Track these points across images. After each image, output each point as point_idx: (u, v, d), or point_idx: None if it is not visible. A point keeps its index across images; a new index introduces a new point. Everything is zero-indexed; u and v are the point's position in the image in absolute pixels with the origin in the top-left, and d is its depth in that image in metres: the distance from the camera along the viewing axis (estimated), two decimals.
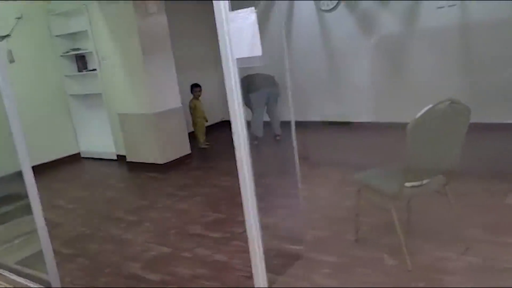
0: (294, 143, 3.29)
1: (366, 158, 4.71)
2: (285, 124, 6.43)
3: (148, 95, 5.16)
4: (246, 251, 3.13)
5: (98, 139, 6.46)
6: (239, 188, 4.03)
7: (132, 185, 4.97)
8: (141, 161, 5.53)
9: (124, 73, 5.35)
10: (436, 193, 2.69)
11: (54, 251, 3.43)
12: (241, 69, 1.47)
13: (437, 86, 5.51)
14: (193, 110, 6.12)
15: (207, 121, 6.30)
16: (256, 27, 1.41)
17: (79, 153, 6.52)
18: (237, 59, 1.44)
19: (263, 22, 6.73)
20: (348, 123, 6.33)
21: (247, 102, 5.88)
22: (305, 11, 6.33)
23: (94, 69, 5.95)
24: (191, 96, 6.14)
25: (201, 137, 6.23)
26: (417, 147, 2.34)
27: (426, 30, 5.41)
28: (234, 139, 1.78)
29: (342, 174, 4.33)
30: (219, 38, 1.43)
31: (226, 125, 7.60)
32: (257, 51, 1.41)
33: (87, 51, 5.98)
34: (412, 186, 2.50)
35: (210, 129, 6.54)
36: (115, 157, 6.13)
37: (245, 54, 1.42)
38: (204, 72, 7.23)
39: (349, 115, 6.32)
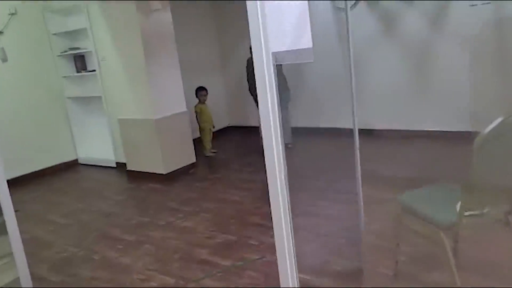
0: (357, 155, 2.78)
1: (395, 170, 4.25)
2: (296, 131, 6.01)
3: (150, 99, 4.73)
4: (261, 284, 2.69)
5: (97, 146, 6.03)
6: (249, 204, 3.54)
7: (132, 198, 4.52)
8: (142, 170, 5.09)
9: (125, 75, 4.92)
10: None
11: (40, 278, 2.99)
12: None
13: (469, 90, 5.04)
14: (199, 115, 5.67)
15: (213, 127, 5.87)
16: (305, 8, 0.96)
17: (76, 160, 6.09)
18: (275, 53, 0.99)
19: None
20: (368, 131, 5.86)
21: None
22: (320, 9, 5.88)
23: (94, 70, 5.53)
24: (196, 101, 5.70)
25: (208, 144, 5.79)
26: (483, 168, 1.88)
27: (457, 30, 4.95)
28: (265, 150, 1.41)
29: (369, 190, 3.85)
30: (249, 23, 0.98)
31: (232, 131, 7.18)
32: (306, 42, 0.96)
33: (86, 50, 5.57)
34: (471, 215, 2.04)
35: (216, 135, 6.05)
36: (115, 165, 5.69)
37: (287, 46, 0.97)
38: (208, 74, 6.80)
39: (369, 122, 5.86)
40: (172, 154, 4.95)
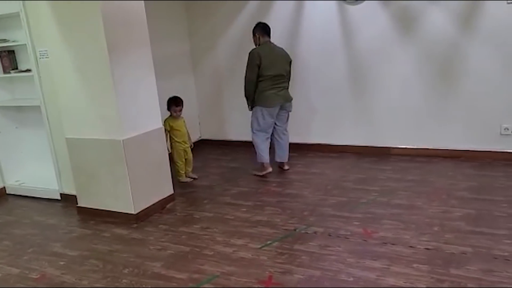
0: None
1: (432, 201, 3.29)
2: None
3: (116, 111, 3.41)
4: None
5: (33, 171, 4.61)
6: (270, 264, 2.30)
7: (89, 255, 3.15)
8: (101, 207, 3.75)
9: (79, 77, 3.54)
10: None
11: None
12: None
13: (502, 105, 4.28)
14: (172, 132, 4.44)
15: (192, 146, 4.66)
16: None
17: (3, 189, 4.58)
18: None
19: (259, 19, 5.18)
20: (375, 149, 4.94)
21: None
22: (321, 2, 4.86)
23: (29, 70, 4.10)
24: (167, 114, 4.45)
25: (182, 168, 4.55)
26: None
27: (490, 33, 4.16)
28: None
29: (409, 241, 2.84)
30: None
31: (205, 146, 5.92)
32: None
33: (18, 43, 4.13)
34: None
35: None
36: (59, 197, 4.28)
37: None
38: (176, 77, 5.56)
39: (379, 139, 4.94)
40: (144, 186, 3.67)
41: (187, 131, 4.56)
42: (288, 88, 4.40)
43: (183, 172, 4.55)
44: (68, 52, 3.51)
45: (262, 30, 4.29)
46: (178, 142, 4.46)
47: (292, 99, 4.43)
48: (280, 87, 4.26)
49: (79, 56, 3.47)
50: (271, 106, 4.23)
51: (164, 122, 4.37)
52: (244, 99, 4.37)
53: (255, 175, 4.50)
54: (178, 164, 4.51)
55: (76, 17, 3.36)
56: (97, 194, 3.75)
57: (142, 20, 3.60)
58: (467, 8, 4.21)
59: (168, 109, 4.43)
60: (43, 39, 3.73)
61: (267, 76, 4.16)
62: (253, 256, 2.89)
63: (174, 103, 4.41)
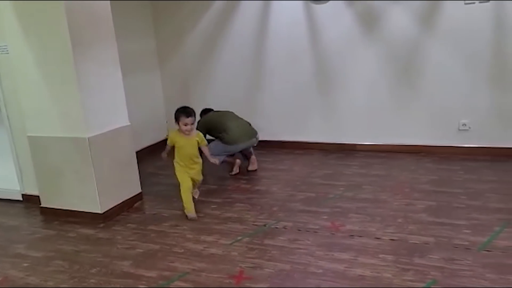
0: None
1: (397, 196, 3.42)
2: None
3: (81, 109, 3.33)
4: None
5: None
6: (241, 260, 2.36)
7: (54, 256, 3.06)
8: (65, 207, 3.65)
9: (41, 74, 3.42)
10: None
11: None
12: None
13: (460, 101, 4.48)
14: (175, 149, 3.54)
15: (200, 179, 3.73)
16: None
17: None
18: None
19: (227, 17, 5.19)
20: (341, 146, 5.04)
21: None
22: (287, 2, 4.92)
23: None
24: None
25: (186, 202, 3.48)
26: None
27: (449, 32, 4.35)
28: None
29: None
30: None
31: None
32: None
33: None
34: None
35: (155, 150, 4.69)
36: (20, 198, 4.13)
37: None
38: (143, 77, 5.49)
39: (344, 136, 5.05)
40: (111, 185, 3.60)
41: (206, 151, 3.65)
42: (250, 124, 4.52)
43: (190, 206, 3.48)
44: (30, 47, 3.39)
45: (203, 112, 4.73)
46: (180, 165, 3.51)
47: (257, 134, 4.49)
48: (240, 121, 4.45)
49: (41, 51, 3.36)
50: (233, 144, 4.26)
51: (169, 137, 3.58)
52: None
53: (230, 175, 4.48)
54: (182, 196, 3.51)
55: (39, 11, 3.25)
56: (61, 193, 3.65)
57: (107, 15, 3.52)
58: (428, 8, 4.38)
59: (177, 120, 3.47)
60: (2, 33, 3.57)
61: (223, 119, 4.38)
62: (223, 252, 2.90)
63: (186, 112, 3.42)
